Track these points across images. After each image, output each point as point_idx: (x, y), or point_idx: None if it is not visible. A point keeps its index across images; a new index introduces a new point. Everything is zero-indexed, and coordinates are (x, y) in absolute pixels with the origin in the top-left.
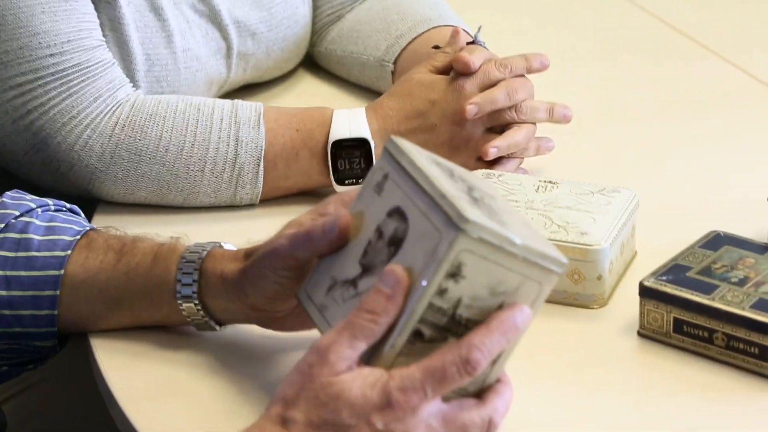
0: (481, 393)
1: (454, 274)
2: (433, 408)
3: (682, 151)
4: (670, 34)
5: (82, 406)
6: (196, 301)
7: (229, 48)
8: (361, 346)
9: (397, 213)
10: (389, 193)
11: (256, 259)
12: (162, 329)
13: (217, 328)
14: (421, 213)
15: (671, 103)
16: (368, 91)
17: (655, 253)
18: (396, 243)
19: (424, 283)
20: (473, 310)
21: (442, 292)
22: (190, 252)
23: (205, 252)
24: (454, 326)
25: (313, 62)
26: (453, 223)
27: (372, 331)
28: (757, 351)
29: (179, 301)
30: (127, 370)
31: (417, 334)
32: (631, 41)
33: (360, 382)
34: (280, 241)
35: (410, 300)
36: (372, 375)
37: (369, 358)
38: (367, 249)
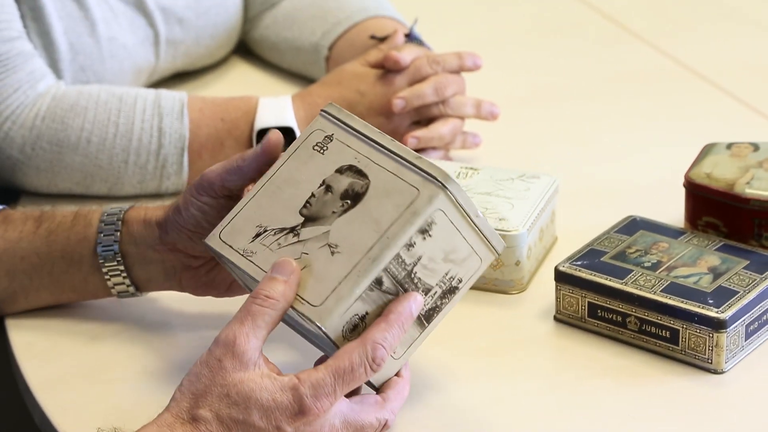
0: (382, 385)
1: (424, 231)
2: (336, 408)
3: (604, 135)
4: (594, 18)
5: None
6: (116, 250)
7: (156, 35)
8: (263, 334)
9: (351, 170)
10: (336, 152)
11: (187, 188)
12: (80, 315)
13: (138, 292)
14: (386, 171)
15: (595, 87)
16: (301, 79)
17: (575, 238)
18: (353, 197)
19: (399, 233)
20: (425, 272)
21: (410, 245)
22: (113, 207)
23: (130, 205)
24: (407, 283)
25: (246, 50)
26: (437, 181)
27: (271, 316)
28: (668, 334)
29: (99, 252)
30: (42, 358)
31: (378, 282)
32: (556, 25)
33: (269, 385)
34: (211, 168)
35: (378, 247)
36: (280, 379)
37: (325, 299)
38: (309, 201)
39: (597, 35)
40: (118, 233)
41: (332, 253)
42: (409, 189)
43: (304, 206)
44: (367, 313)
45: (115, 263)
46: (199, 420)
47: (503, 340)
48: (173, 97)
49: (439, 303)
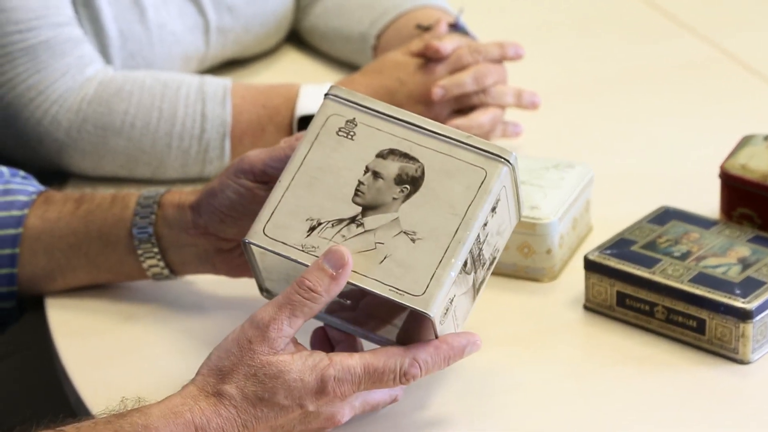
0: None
1: (494, 208)
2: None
3: (643, 126)
4: (639, 8)
5: (38, 378)
6: (151, 232)
7: (206, 23)
8: (299, 324)
9: (396, 154)
10: (367, 137)
11: (223, 171)
12: (116, 296)
13: (172, 275)
14: (436, 152)
15: (637, 78)
16: (350, 68)
17: (611, 228)
18: (410, 181)
19: (479, 213)
20: (486, 247)
21: (485, 224)
22: (150, 190)
23: (167, 189)
24: (477, 261)
25: (298, 39)
26: (499, 157)
27: (311, 309)
28: (695, 324)
29: (134, 233)
30: (77, 336)
31: (464, 264)
32: (601, 15)
33: (299, 365)
34: (253, 152)
35: (463, 229)
36: (311, 358)
37: (426, 287)
38: (360, 189)
39: (638, 24)
40: (153, 216)
41: (413, 240)
42: (473, 169)
43: (356, 194)
44: (455, 296)
45: (150, 245)
46: (224, 395)
47: (532, 327)
48: (217, 83)
49: (486, 275)
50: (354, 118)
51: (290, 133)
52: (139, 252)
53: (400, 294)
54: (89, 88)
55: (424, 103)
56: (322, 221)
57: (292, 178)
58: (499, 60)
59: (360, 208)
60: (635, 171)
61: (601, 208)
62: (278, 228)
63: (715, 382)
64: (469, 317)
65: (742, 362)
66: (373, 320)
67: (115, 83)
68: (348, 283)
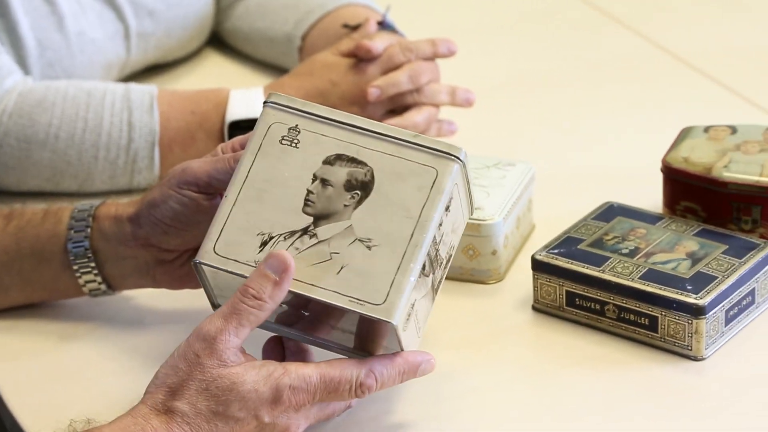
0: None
1: (447, 207)
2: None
3: (582, 121)
4: (574, 3)
5: None
6: (87, 246)
7: (126, 29)
8: (246, 333)
9: (342, 159)
10: (312, 143)
11: (163, 181)
12: (50, 315)
13: (110, 290)
14: (384, 154)
15: (573, 73)
16: (275, 70)
17: (554, 225)
18: (360, 186)
19: (433, 214)
20: (442, 246)
21: (440, 225)
22: (84, 203)
23: (101, 201)
24: (435, 262)
25: (220, 42)
26: (449, 155)
27: (257, 317)
28: (647, 322)
29: (69, 248)
30: (12, 359)
31: (423, 267)
32: (535, 11)
33: (253, 376)
34: (197, 164)
35: (418, 233)
36: (265, 368)
37: (386, 295)
38: (309, 198)
39: (576, 21)
40: (89, 229)
41: (368, 247)
42: (424, 169)
43: (306, 204)
44: (416, 300)
45: (86, 260)
46: (176, 412)
47: (481, 330)
48: (142, 90)
49: (443, 274)
50: (296, 125)
51: (221, 139)
52: (75, 267)
53: (361, 304)
54: (9, 101)
55: (358, 104)
56: (273, 235)
57: (239, 192)
58: (432, 57)
59: (311, 219)
60: (575, 167)
61: (542, 206)
62: (229, 245)
63: (669, 379)
64: (429, 318)
65: (695, 359)
66: (326, 327)
67: (36, 94)
68: (305, 296)
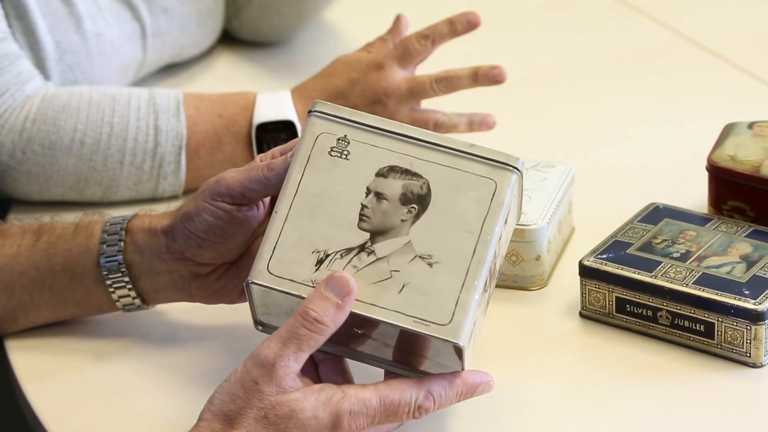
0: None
1: (506, 220)
2: None
3: (612, 117)
4: None
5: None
6: (121, 260)
7: (143, 28)
8: (305, 357)
9: (396, 171)
10: (363, 155)
11: (197, 193)
12: (83, 333)
13: (144, 305)
14: (439, 165)
15: (598, 66)
16: (288, 71)
17: (593, 227)
18: (417, 200)
19: (495, 229)
20: (500, 260)
21: (500, 238)
22: (116, 216)
23: (133, 214)
24: (493, 278)
25: (230, 41)
26: (506, 165)
27: (317, 341)
28: (702, 328)
29: (102, 263)
30: (47, 380)
31: (485, 283)
32: (553, 1)
33: (312, 402)
34: (230, 174)
35: (481, 248)
36: (323, 393)
37: (452, 315)
38: (364, 213)
39: (598, 11)
40: (122, 243)
41: (430, 264)
42: (482, 180)
43: (362, 219)
44: (477, 318)
45: (120, 275)
46: None
47: (528, 339)
48: (168, 94)
49: (493, 285)
50: (345, 135)
51: (249, 143)
52: (108, 282)
53: (426, 325)
54: (32, 107)
55: (379, 102)
56: (329, 252)
57: (290, 208)
58: (451, 38)
59: (368, 234)
60: (610, 166)
61: (580, 208)
62: (283, 264)
63: (728, 387)
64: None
65: (754, 366)
66: (362, 337)
67: (60, 99)
68: (367, 317)
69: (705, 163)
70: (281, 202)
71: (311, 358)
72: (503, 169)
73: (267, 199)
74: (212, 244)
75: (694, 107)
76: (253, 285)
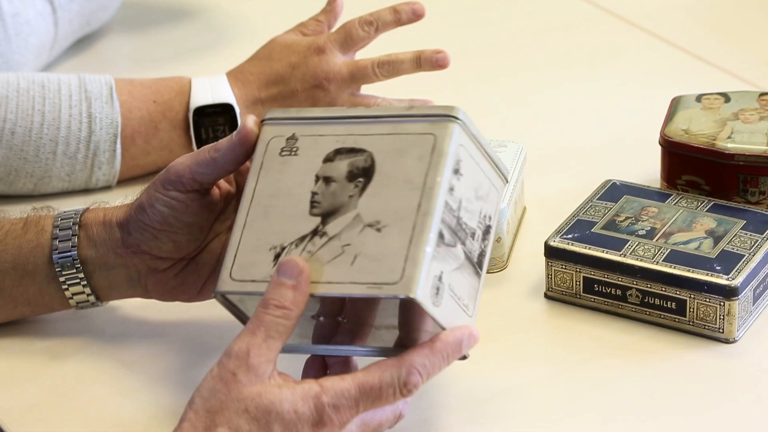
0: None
1: (456, 171)
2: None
3: (546, 93)
4: None
5: None
6: (75, 256)
7: (51, 2)
8: (278, 345)
9: (341, 152)
10: (310, 147)
11: (150, 184)
12: (35, 332)
13: (98, 302)
14: (381, 136)
15: (530, 44)
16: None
17: (543, 206)
18: (363, 173)
19: (438, 179)
20: (468, 215)
21: (451, 189)
22: (67, 210)
23: (85, 208)
24: (459, 231)
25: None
26: (445, 116)
27: (285, 326)
28: (674, 306)
29: (55, 259)
30: (3, 385)
31: (440, 236)
32: None
33: (289, 395)
34: (178, 160)
35: (426, 201)
36: (300, 387)
37: (402, 271)
38: (315, 200)
39: None
40: (76, 238)
41: (378, 230)
42: (422, 138)
43: (313, 206)
44: (442, 273)
45: (74, 271)
46: None
47: (496, 324)
48: (99, 80)
49: (483, 246)
50: (294, 134)
51: (186, 128)
52: (62, 279)
53: (378, 287)
54: None
55: (320, 87)
56: (285, 245)
57: (247, 215)
58: (395, 27)
59: (319, 219)
60: (554, 143)
61: (528, 187)
62: (244, 268)
63: (703, 364)
64: (481, 294)
65: (727, 341)
66: (367, 330)
67: None
68: (325, 295)
69: (651, 137)
70: (239, 212)
71: (322, 365)
72: (441, 121)
73: (225, 187)
74: (168, 235)
75: (627, 81)
76: (219, 295)
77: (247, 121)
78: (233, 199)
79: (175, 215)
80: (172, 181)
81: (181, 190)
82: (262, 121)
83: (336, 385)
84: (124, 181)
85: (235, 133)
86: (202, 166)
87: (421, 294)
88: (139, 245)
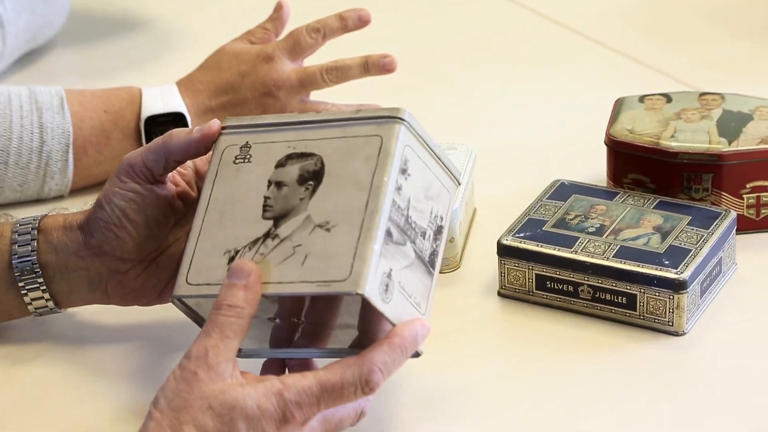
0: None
1: (404, 170)
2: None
3: (495, 99)
4: None
5: None
6: (34, 260)
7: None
8: (234, 344)
9: (292, 157)
10: (263, 154)
11: (106, 182)
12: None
13: (57, 308)
14: (330, 140)
15: (469, 50)
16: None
17: (492, 207)
18: (313, 176)
19: (385, 178)
20: (417, 214)
21: (398, 189)
22: (25, 217)
23: (43, 214)
24: (408, 229)
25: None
26: (390, 118)
27: (239, 325)
28: (624, 300)
29: (15, 264)
30: None
31: (388, 234)
32: None
33: (252, 392)
34: (131, 152)
35: (373, 200)
36: (262, 384)
37: (351, 268)
38: (267, 204)
39: None
40: (35, 242)
41: (327, 230)
42: (369, 140)
43: (265, 210)
44: (391, 270)
45: (33, 275)
46: None
47: (451, 323)
48: (49, 91)
49: (435, 246)
50: (247, 142)
51: (137, 138)
52: (21, 284)
53: (327, 285)
54: None
55: (269, 95)
56: (238, 248)
57: (202, 221)
58: (341, 33)
59: (272, 222)
60: (501, 146)
61: (476, 188)
62: (200, 272)
63: (653, 357)
64: (434, 293)
65: (676, 334)
66: (326, 331)
67: None
68: (277, 295)
69: (597, 138)
70: (195, 218)
71: (281, 363)
72: (388, 123)
73: (183, 185)
74: (129, 232)
75: (571, 85)
76: (176, 299)
77: (213, 123)
78: (192, 205)
79: (133, 207)
80: (127, 172)
81: (136, 180)
82: (221, 131)
83: (298, 382)
84: (77, 190)
85: (197, 128)
86: (153, 153)
87: (370, 290)
88: (101, 246)
